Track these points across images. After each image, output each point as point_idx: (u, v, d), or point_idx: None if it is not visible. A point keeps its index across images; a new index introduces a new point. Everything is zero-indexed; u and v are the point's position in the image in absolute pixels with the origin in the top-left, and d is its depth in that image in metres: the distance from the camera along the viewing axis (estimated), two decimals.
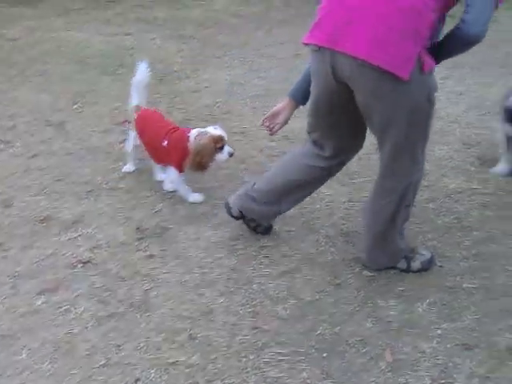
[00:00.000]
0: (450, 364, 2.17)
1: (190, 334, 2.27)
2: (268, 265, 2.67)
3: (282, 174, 2.63)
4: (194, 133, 2.98)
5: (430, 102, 2.24)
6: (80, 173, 3.40)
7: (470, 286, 2.59)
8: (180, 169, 3.01)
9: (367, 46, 2.09)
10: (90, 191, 3.24)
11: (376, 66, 2.07)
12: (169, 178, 3.10)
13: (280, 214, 2.73)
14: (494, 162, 3.60)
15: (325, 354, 2.20)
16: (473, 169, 3.61)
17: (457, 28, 2.14)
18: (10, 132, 3.86)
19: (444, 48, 2.23)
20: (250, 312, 2.39)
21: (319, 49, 2.22)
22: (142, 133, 3.12)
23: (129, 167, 3.34)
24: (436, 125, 4.06)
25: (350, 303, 2.45)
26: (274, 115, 2.65)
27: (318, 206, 3.11)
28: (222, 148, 2.93)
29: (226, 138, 2.96)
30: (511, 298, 2.51)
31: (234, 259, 2.71)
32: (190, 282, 2.56)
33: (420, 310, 2.43)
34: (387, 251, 2.58)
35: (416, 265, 2.64)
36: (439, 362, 2.18)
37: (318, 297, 2.49)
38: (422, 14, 2.06)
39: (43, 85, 4.65)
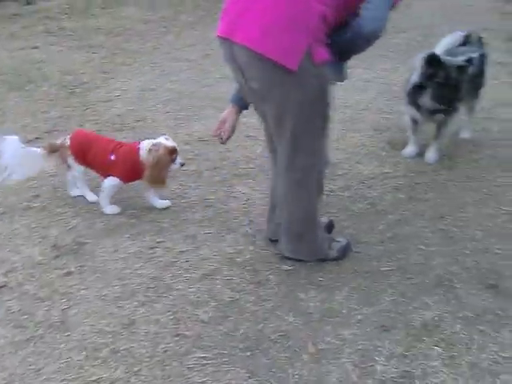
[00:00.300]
0: (371, 347, 2.22)
1: (113, 349, 2.22)
2: (187, 269, 2.65)
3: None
4: (145, 145, 2.90)
5: (324, 93, 2.25)
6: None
7: (386, 268, 2.65)
8: (124, 179, 2.96)
9: (255, 35, 2.08)
10: (2, 213, 3.11)
11: (264, 56, 2.06)
12: (104, 184, 3.00)
13: None
14: (403, 145, 3.70)
15: (249, 353, 2.20)
16: (384, 153, 3.70)
17: (355, 24, 2.16)
18: None
19: (346, 45, 2.23)
20: (171, 319, 2.36)
21: (223, 40, 2.21)
22: (82, 153, 3.01)
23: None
24: (346, 113, 4.16)
25: (270, 299, 2.46)
26: (221, 123, 2.63)
27: (234, 205, 3.10)
28: (175, 159, 2.89)
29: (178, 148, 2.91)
30: (425, 276, 2.59)
31: (153, 268, 2.67)
32: (110, 295, 2.50)
33: (339, 297, 2.47)
34: (316, 242, 2.62)
35: (333, 253, 2.68)
36: (360, 347, 2.22)
37: (238, 296, 2.48)
38: (310, 4, 2.06)
39: None
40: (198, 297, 2.49)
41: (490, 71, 4.86)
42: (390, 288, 2.52)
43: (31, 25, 6.56)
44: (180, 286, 2.55)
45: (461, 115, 3.63)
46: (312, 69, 2.14)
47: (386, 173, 3.49)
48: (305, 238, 2.56)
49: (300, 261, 2.68)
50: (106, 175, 3.01)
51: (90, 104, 4.48)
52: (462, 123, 3.89)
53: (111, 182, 2.97)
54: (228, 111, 2.58)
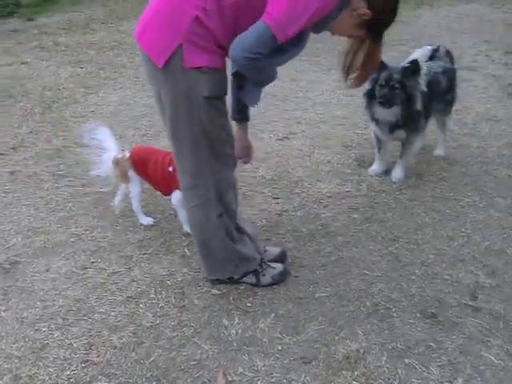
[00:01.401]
0: (284, 381, 2.09)
1: (15, 375, 2.14)
2: (114, 292, 2.57)
3: None
4: None
5: (197, 102, 2.14)
6: None
7: (322, 294, 2.52)
8: None
9: (139, 30, 2.15)
10: None
11: (141, 50, 2.14)
12: (173, 201, 2.91)
13: None
14: (372, 162, 3.57)
15: (154, 383, 2.09)
16: (349, 171, 3.57)
17: None
18: None
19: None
20: (84, 344, 2.28)
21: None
22: (142, 165, 2.96)
23: (147, 220, 3.11)
24: (320, 128, 4.04)
25: (191, 325, 2.36)
26: (242, 149, 2.57)
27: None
28: None
29: None
30: (362, 303, 2.45)
31: (81, 289, 2.59)
32: (30, 317, 2.44)
33: (264, 325, 2.35)
34: (216, 261, 2.51)
35: (266, 279, 2.57)
36: (273, 379, 2.11)
37: (158, 321, 2.39)
38: (180, 7, 2.03)
39: None
40: (118, 321, 2.40)
41: (482, 84, 4.72)
42: (320, 316, 2.39)
43: (27, 40, 6.62)
44: (102, 309, 2.47)
45: (426, 133, 3.47)
46: (180, 71, 2.08)
47: (346, 192, 3.36)
48: (210, 247, 2.47)
49: (234, 284, 2.56)
50: (165, 188, 2.92)
51: (63, 119, 4.46)
52: (437, 140, 3.73)
53: (178, 195, 2.83)
54: (235, 130, 2.50)
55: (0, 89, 5.19)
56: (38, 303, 2.51)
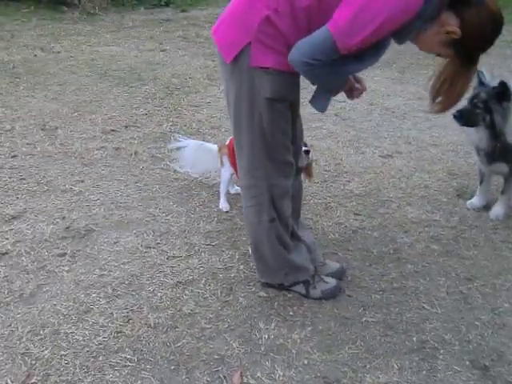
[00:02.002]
0: None
1: (55, 330, 2.32)
2: (167, 274, 2.68)
3: None
4: None
5: (254, 100, 2.14)
6: (44, 174, 3.57)
7: (370, 319, 2.44)
8: None
9: (215, 26, 2.22)
10: (45, 191, 3.39)
11: (215, 44, 2.20)
12: None
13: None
14: (473, 195, 3.38)
15: (173, 367, 2.17)
16: (445, 200, 3.41)
17: None
18: (5, 133, 4.14)
19: None
20: (123, 316, 2.41)
21: None
22: (233, 157, 3.18)
23: (225, 206, 3.29)
24: (430, 152, 3.90)
25: (227, 321, 2.40)
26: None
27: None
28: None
29: None
30: (408, 337, 2.34)
31: (138, 266, 2.74)
32: (85, 282, 2.62)
33: (297, 336, 2.33)
34: (267, 266, 2.51)
35: (316, 292, 2.53)
36: None
37: (198, 310, 2.45)
38: (252, 6, 2.06)
39: (56, 94, 4.95)
40: (161, 302, 2.50)
41: None
42: (359, 340, 2.32)
43: (173, 30, 7.06)
44: (150, 288, 2.59)
45: None
46: (246, 69, 2.11)
47: (434, 220, 3.20)
48: (259, 250, 2.48)
49: (283, 290, 2.56)
50: None
51: (178, 106, 4.71)
52: None
53: None
54: None
55: (133, 71, 5.59)
56: (97, 271, 2.68)
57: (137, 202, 3.30)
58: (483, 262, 2.83)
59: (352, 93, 2.29)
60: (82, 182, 3.51)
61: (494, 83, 2.94)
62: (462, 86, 2.14)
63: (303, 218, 3.09)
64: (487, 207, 3.27)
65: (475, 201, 3.28)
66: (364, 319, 2.43)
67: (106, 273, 2.67)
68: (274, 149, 2.24)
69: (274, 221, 2.36)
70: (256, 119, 2.18)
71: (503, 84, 2.85)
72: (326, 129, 4.42)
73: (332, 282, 2.56)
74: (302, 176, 2.76)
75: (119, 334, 2.30)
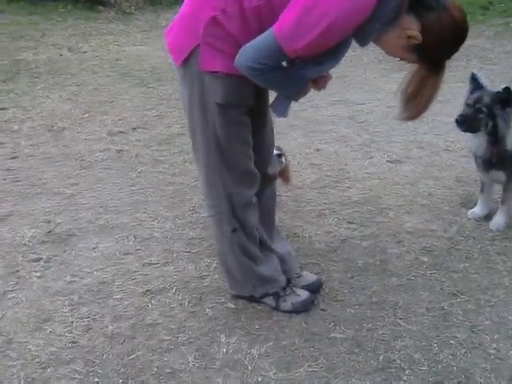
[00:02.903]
0: None
1: (10, 338, 2.34)
2: (138, 282, 2.68)
3: None
4: None
5: (206, 105, 2.08)
6: (41, 176, 3.63)
7: (338, 335, 2.36)
8: None
9: (168, 28, 2.17)
10: (37, 193, 3.45)
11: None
12: None
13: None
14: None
15: (121, 381, 2.15)
16: (446, 208, 3.26)
17: None
18: (11, 134, 4.25)
19: None
20: (83, 326, 2.41)
21: None
22: None
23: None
24: (441, 158, 3.76)
25: (188, 333, 2.36)
26: None
27: None
28: None
29: None
30: (376, 355, 2.24)
31: (111, 273, 2.74)
32: (53, 288, 2.61)
33: (256, 352, 2.27)
34: (233, 277, 2.46)
35: (286, 305, 2.46)
36: None
37: (160, 321, 2.42)
38: (201, 7, 2.00)
39: (72, 94, 5.05)
40: (125, 311, 2.49)
41: None
42: (322, 357, 2.24)
43: None
44: (118, 296, 2.58)
45: None
46: (196, 73, 2.05)
47: (430, 230, 3.06)
48: (226, 261, 2.43)
49: (253, 302, 2.50)
50: None
51: None
52: None
53: None
54: None
55: (154, 72, 5.65)
56: (68, 277, 2.70)
57: (126, 206, 3.31)
58: (473, 275, 2.69)
59: (317, 83, 2.19)
60: (77, 184, 3.55)
61: (493, 88, 2.81)
62: (431, 91, 2.04)
63: (292, 225, 3.03)
64: (489, 217, 3.09)
65: (477, 210, 3.12)
66: (332, 335, 2.35)
67: (76, 279, 2.68)
68: (231, 157, 2.18)
69: (236, 231, 2.31)
70: (210, 126, 2.13)
71: (507, 90, 2.72)
72: (336, 132, 4.32)
73: (304, 294, 2.48)
74: (279, 181, 2.68)
75: (74, 345, 2.29)
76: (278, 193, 3.16)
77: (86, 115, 4.56)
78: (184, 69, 2.10)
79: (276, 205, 2.58)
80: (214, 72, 2.04)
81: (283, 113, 2.13)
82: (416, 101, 2.04)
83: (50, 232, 3.05)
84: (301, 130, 4.36)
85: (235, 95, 2.08)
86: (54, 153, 3.96)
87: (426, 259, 2.82)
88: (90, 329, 2.38)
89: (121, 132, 4.24)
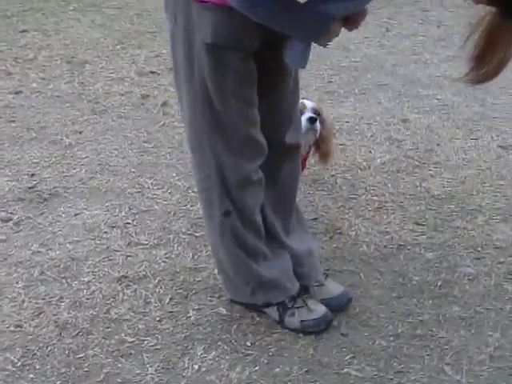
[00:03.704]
0: None
1: None
2: (115, 264, 2.78)
3: None
4: None
5: (191, 46, 2.08)
6: (41, 119, 3.85)
7: (354, 372, 2.32)
8: None
9: None
10: (30, 139, 3.63)
11: None
12: None
13: None
14: None
15: (59, 382, 2.23)
16: None
17: None
18: (23, 63, 4.49)
19: None
20: (35, 308, 2.52)
21: None
22: None
23: None
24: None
25: (157, 337, 2.42)
26: None
27: None
28: None
29: None
30: None
31: (87, 248, 2.86)
32: (14, 258, 2.79)
33: (235, 376, 2.28)
34: (228, 277, 2.48)
35: (293, 321, 2.45)
36: None
37: (127, 317, 2.49)
38: None
39: (108, 19, 5.31)
40: (88, 298, 2.59)
41: None
42: None
43: None
44: (86, 279, 2.70)
45: None
46: (181, 2, 2.06)
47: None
48: (217, 254, 2.47)
49: (253, 311, 2.52)
50: None
51: None
52: None
53: None
54: None
55: None
56: (35, 246, 2.84)
57: (131, 166, 3.41)
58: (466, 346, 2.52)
59: (348, 22, 2.12)
60: (80, 133, 3.69)
61: None
62: (505, 47, 1.93)
63: (337, 217, 3.05)
64: None
65: None
66: (345, 370, 2.32)
67: (43, 250, 2.81)
68: (224, 118, 2.18)
69: (228, 215, 2.32)
70: (197, 73, 2.13)
71: None
72: (439, 99, 4.22)
73: (319, 310, 2.46)
74: (311, 156, 2.66)
75: (18, 329, 2.42)
76: (330, 172, 3.17)
77: (118, 47, 4.72)
78: None
79: (297, 186, 2.56)
80: (203, 1, 2.02)
81: (297, 61, 2.10)
82: (483, 58, 1.94)
83: (30, 188, 3.20)
84: (391, 92, 4.30)
85: (230, 33, 2.06)
86: (64, 91, 4.13)
87: (510, 288, 2.69)
88: (41, 313, 2.49)
89: (152, 72, 4.36)
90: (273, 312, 2.47)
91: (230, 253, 2.39)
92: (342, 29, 2.09)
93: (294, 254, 2.52)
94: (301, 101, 2.85)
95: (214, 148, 2.22)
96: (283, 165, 2.43)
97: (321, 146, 2.84)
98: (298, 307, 2.46)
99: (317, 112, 2.79)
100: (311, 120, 2.66)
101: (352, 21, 2.09)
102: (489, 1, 1.84)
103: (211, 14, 2.03)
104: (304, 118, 2.70)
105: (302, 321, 2.44)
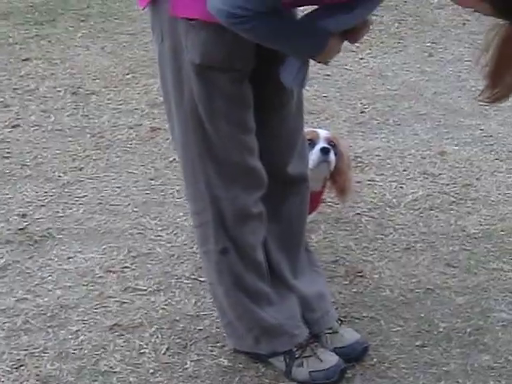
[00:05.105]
0: None
1: None
2: (109, 311, 2.85)
3: None
4: None
5: (180, 67, 2.16)
6: (38, 154, 3.94)
7: None
8: None
9: None
10: (25, 176, 3.75)
11: None
12: None
13: None
14: None
15: None
16: None
17: None
18: (23, 95, 4.61)
19: None
20: (16, 360, 2.59)
21: None
22: None
23: None
24: None
25: None
26: None
27: None
28: None
29: None
30: None
31: (79, 294, 2.93)
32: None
33: None
34: (229, 323, 2.54)
35: (301, 373, 2.50)
36: None
37: (118, 369, 2.56)
38: None
39: (120, 47, 5.33)
40: (76, 348, 2.66)
41: None
42: None
43: None
44: (75, 328, 2.76)
45: None
46: (166, 19, 2.14)
47: None
48: (216, 297, 2.54)
49: (259, 362, 2.58)
50: None
51: None
52: None
53: None
54: None
55: None
56: (20, 292, 2.92)
57: (133, 206, 3.49)
58: None
59: (351, 36, 2.20)
60: (80, 170, 3.79)
61: None
62: None
63: (359, 258, 3.08)
64: None
65: None
66: None
67: (29, 297, 2.89)
68: (217, 144, 2.26)
69: (226, 252, 2.37)
70: (186, 96, 2.21)
71: None
72: (483, 130, 4.23)
73: (330, 360, 2.50)
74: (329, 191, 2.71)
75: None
76: (355, 211, 3.22)
77: (129, 76, 4.83)
78: (151, 14, 2.22)
79: (305, 223, 2.61)
80: (190, 19, 2.11)
81: (292, 79, 2.17)
82: (500, 75, 2.00)
83: (21, 230, 3.29)
84: (430, 122, 4.33)
85: (221, 53, 2.15)
86: (66, 124, 4.25)
87: None
88: (21, 365, 2.56)
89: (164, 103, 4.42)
90: (279, 362, 2.51)
91: (230, 295, 2.44)
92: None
93: (302, 297, 2.55)
94: (314, 130, 2.92)
95: (207, 177, 2.30)
96: (288, 198, 2.49)
97: (337, 180, 2.87)
98: (306, 356, 2.49)
99: (331, 142, 2.83)
100: (324, 151, 2.71)
101: (354, 34, 2.17)
102: (499, 14, 1.91)
103: (199, 33, 2.12)
104: (316, 149, 2.74)
105: (311, 372, 2.48)
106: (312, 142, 2.80)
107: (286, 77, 2.18)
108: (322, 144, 2.73)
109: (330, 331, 2.60)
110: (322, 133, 2.94)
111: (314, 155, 2.77)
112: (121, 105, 4.49)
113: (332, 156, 2.81)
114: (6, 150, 3.97)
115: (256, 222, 2.38)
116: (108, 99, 4.57)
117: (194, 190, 2.36)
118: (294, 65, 2.17)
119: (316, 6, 2.13)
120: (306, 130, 2.87)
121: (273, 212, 2.45)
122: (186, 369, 2.57)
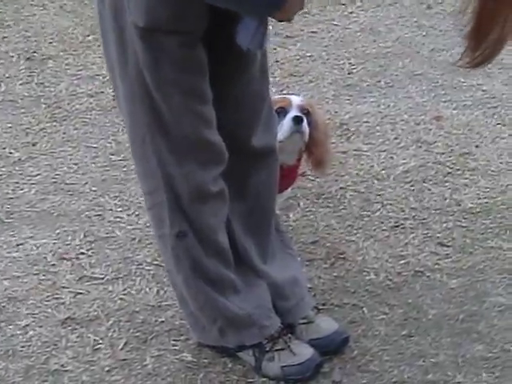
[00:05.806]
0: None
1: None
2: (62, 304, 2.85)
3: None
4: None
5: (123, 30, 2.14)
6: None
7: None
8: None
9: None
10: None
11: None
12: None
13: None
14: None
15: None
16: None
17: None
18: None
19: None
20: None
21: None
22: None
23: None
24: None
25: None
26: None
27: None
28: None
29: None
30: None
31: (29, 285, 2.94)
32: None
33: None
34: (191, 313, 2.55)
35: (273, 367, 2.51)
36: None
37: (70, 368, 2.58)
38: None
39: (81, 5, 5.29)
40: (24, 345, 2.67)
41: None
42: None
43: None
44: (24, 322, 2.77)
45: None
46: None
47: None
48: (175, 286, 2.55)
49: (226, 356, 2.59)
50: None
51: None
52: None
53: None
54: None
55: None
56: None
57: (92, 184, 3.50)
58: None
59: None
60: (34, 145, 3.79)
61: None
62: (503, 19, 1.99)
63: (342, 238, 3.08)
64: None
65: None
66: None
67: None
68: (166, 114, 2.24)
69: (183, 236, 2.37)
70: (131, 62, 2.20)
71: None
72: (485, 91, 4.23)
73: (305, 353, 2.51)
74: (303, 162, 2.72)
75: None
76: (339, 185, 3.22)
77: (89, 38, 4.79)
78: None
79: (274, 200, 2.61)
80: None
81: (250, 41, 2.14)
82: (481, 32, 2.00)
83: None
84: (426, 83, 4.32)
85: (167, 14, 2.12)
86: (19, 94, 4.24)
87: None
88: None
89: None
90: (248, 356, 2.52)
91: (189, 283, 2.45)
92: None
93: (273, 284, 2.56)
94: (285, 96, 2.91)
95: (158, 152, 2.29)
96: (253, 174, 2.49)
97: (313, 151, 2.87)
98: (278, 350, 2.50)
99: (304, 110, 2.82)
100: (296, 120, 2.70)
101: None
102: None
103: None
104: (288, 118, 2.73)
105: (283, 366, 2.49)
106: (283, 111, 2.78)
107: (243, 38, 2.16)
108: (294, 112, 2.72)
109: (305, 321, 2.61)
110: (295, 99, 2.91)
111: (285, 125, 2.75)
112: (80, 71, 4.48)
113: (305, 125, 2.79)
114: None
115: (216, 201, 2.38)
116: (66, 64, 4.55)
117: (144, 167, 2.36)
118: (250, 24, 2.14)
119: None
120: (278, 96, 2.87)
121: (237, 189, 2.44)
122: (146, 365, 2.57)
